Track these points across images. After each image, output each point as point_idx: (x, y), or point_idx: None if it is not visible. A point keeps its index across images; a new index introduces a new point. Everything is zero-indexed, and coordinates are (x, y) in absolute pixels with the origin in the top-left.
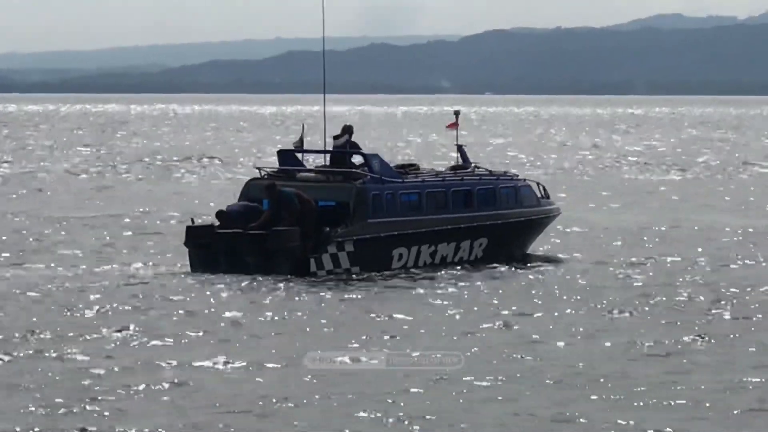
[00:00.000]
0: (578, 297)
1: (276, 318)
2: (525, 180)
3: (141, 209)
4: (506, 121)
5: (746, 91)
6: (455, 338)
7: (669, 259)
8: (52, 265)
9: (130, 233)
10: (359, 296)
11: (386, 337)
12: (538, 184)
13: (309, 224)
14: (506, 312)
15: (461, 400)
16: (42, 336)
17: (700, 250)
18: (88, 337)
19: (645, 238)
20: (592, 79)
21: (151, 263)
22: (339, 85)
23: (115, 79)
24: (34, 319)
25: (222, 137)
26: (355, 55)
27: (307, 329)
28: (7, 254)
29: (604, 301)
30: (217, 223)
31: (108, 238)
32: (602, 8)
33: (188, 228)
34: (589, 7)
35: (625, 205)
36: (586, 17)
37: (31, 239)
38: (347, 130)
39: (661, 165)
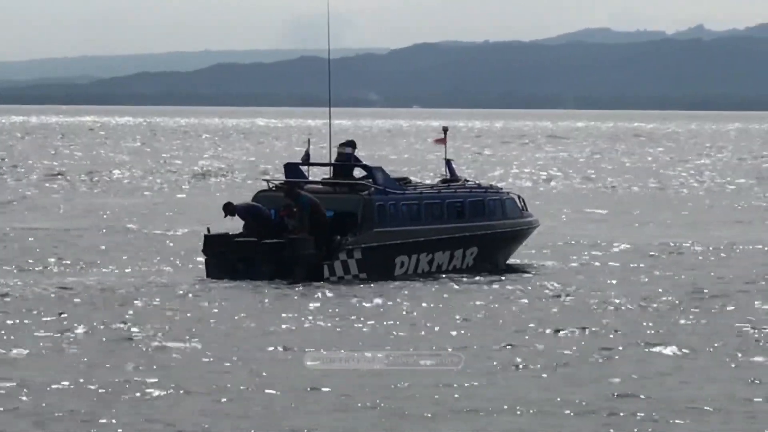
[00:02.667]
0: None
1: (287, 320)
2: (509, 193)
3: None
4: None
5: (675, 106)
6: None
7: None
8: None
9: (134, 241)
10: (365, 301)
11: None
12: (518, 196)
13: (321, 233)
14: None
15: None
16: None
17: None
18: (124, 345)
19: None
20: (521, 93)
21: (165, 270)
22: (268, 97)
23: (44, 90)
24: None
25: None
26: (283, 68)
27: (315, 331)
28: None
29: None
30: (223, 215)
31: (116, 247)
32: (530, 22)
33: (206, 236)
34: (517, 20)
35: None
36: (515, 31)
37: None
38: (351, 144)
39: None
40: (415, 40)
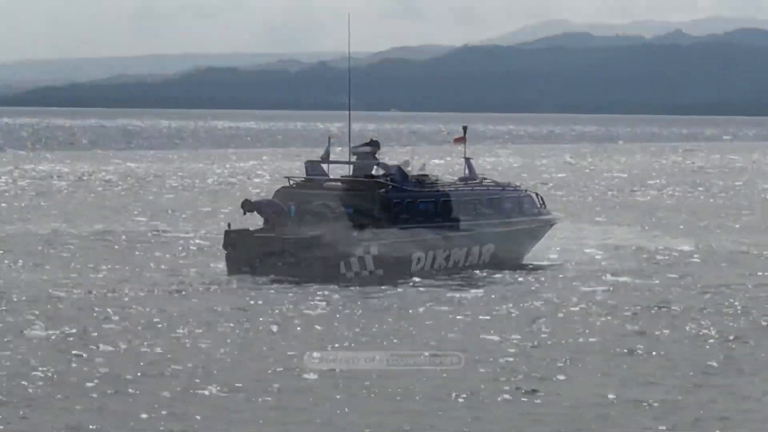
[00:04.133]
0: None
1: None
2: (527, 191)
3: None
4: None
5: (654, 111)
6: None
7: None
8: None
9: (153, 240)
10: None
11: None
12: (537, 194)
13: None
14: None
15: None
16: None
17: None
18: (145, 335)
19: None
20: (499, 97)
21: (186, 266)
22: (246, 101)
23: (22, 93)
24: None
25: None
26: (262, 72)
27: (324, 329)
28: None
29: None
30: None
31: (137, 246)
32: (509, 26)
33: (226, 232)
34: (495, 25)
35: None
36: (493, 35)
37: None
38: (373, 143)
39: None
40: (394, 44)
